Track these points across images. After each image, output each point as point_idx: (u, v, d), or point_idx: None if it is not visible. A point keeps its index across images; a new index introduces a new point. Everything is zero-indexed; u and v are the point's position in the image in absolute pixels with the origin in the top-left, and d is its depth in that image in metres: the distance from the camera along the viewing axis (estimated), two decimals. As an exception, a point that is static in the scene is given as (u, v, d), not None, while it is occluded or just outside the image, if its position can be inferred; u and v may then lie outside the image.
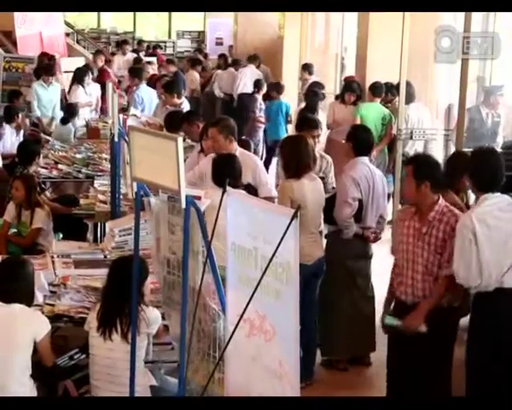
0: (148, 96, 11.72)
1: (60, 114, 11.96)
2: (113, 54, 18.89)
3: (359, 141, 6.67)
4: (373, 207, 6.56)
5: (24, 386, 4.61)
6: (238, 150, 6.79)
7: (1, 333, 4.63)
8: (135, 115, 10.15)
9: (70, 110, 11.65)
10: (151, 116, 10.48)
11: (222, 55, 18.49)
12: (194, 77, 16.59)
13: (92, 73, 13.36)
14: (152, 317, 4.72)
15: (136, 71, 12.62)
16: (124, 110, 10.86)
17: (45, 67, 13.25)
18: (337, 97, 11.60)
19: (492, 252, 4.94)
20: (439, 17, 9.31)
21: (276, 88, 12.83)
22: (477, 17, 8.31)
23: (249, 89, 14.31)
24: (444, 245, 5.09)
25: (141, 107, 11.51)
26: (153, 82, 12.75)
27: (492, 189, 5.06)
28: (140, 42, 20.03)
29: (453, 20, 9.61)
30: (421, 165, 5.24)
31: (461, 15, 8.09)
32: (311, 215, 6.11)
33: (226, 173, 5.73)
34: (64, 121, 11.39)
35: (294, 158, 6.20)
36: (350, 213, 6.41)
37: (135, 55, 17.30)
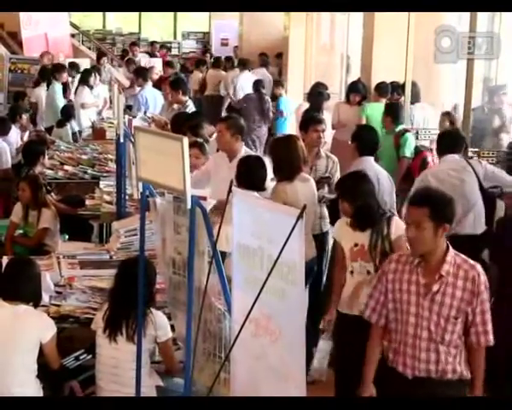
0: (152, 97, 11.75)
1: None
2: (123, 55, 18.94)
3: (364, 141, 6.67)
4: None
5: (29, 387, 4.61)
6: (244, 150, 6.80)
7: (6, 334, 4.63)
8: (145, 120, 10.21)
9: (66, 113, 11.68)
10: (156, 114, 10.53)
11: (229, 58, 18.45)
12: (198, 78, 16.57)
13: (100, 74, 13.39)
14: (159, 320, 4.71)
15: (140, 71, 12.63)
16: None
17: (57, 66, 13.32)
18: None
19: None
20: (444, 17, 9.30)
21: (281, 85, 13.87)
22: (482, 17, 8.29)
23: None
24: (460, 306, 4.11)
25: (144, 107, 11.53)
26: (160, 83, 12.79)
27: (452, 152, 6.31)
28: (133, 43, 19.60)
29: (458, 20, 9.62)
30: (439, 203, 4.19)
31: (465, 16, 8.08)
32: (306, 216, 6.05)
33: (258, 175, 5.79)
34: (60, 124, 11.41)
35: (285, 160, 6.12)
36: None
37: (146, 56, 17.36)
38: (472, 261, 4.17)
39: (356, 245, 5.21)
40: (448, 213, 4.18)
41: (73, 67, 14.06)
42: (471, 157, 6.80)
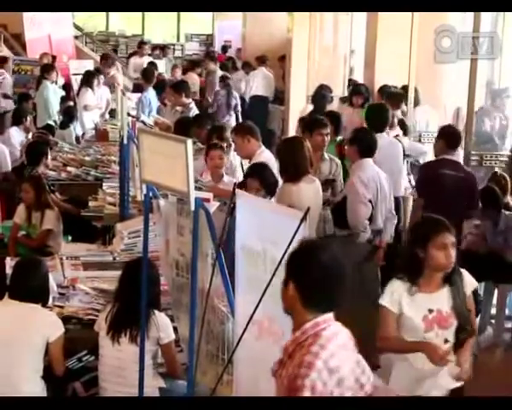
0: (154, 99, 11.77)
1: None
2: (130, 56, 18.83)
3: (363, 143, 6.69)
4: (381, 207, 6.58)
5: (34, 386, 4.64)
6: (261, 150, 6.86)
7: (14, 332, 4.66)
8: (143, 122, 10.20)
9: (68, 114, 11.68)
10: (159, 117, 10.53)
11: (229, 58, 18.48)
12: (193, 79, 16.48)
13: (104, 76, 13.40)
14: (161, 322, 4.71)
15: (145, 73, 12.65)
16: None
17: (46, 65, 13.39)
18: (343, 100, 11.65)
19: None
20: (448, 18, 9.29)
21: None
22: (485, 18, 8.28)
23: (261, 91, 14.65)
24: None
25: (148, 109, 11.53)
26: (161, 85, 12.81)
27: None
28: (143, 42, 19.08)
29: (461, 20, 9.60)
30: (292, 254, 3.15)
31: (469, 16, 8.07)
32: (310, 218, 6.02)
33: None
34: (63, 125, 11.41)
35: (292, 161, 6.15)
36: (366, 213, 6.40)
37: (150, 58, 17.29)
38: (315, 348, 3.03)
39: (431, 311, 4.22)
40: (298, 270, 3.08)
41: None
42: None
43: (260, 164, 6.09)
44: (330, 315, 3.15)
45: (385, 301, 4.24)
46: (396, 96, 9.48)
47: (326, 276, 3.07)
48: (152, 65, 14.96)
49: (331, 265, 3.09)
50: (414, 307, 4.19)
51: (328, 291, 3.09)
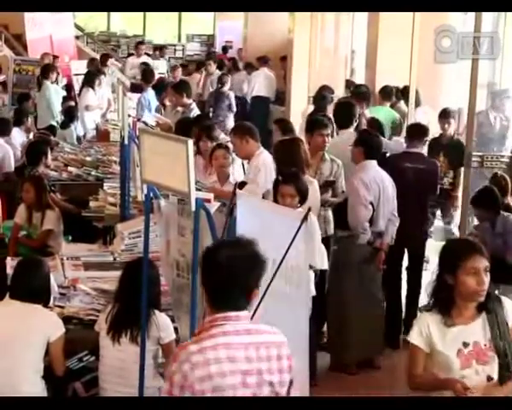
0: (153, 99, 11.78)
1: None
2: (128, 56, 18.82)
3: (369, 145, 6.68)
4: (384, 209, 6.57)
5: (35, 386, 4.64)
6: (260, 151, 6.86)
7: (15, 332, 4.66)
8: (144, 122, 10.20)
9: (69, 114, 11.68)
10: (161, 117, 10.53)
11: (231, 59, 18.47)
12: (197, 80, 16.50)
13: (105, 76, 13.40)
14: (162, 322, 4.71)
15: (144, 74, 12.66)
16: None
17: (46, 66, 13.41)
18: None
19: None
20: (448, 18, 9.29)
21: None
22: (487, 18, 8.28)
23: (262, 92, 14.59)
24: None
25: (147, 109, 11.54)
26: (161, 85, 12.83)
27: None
28: (140, 42, 18.87)
29: (462, 20, 9.61)
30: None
31: (470, 16, 8.09)
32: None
33: None
34: (64, 125, 11.41)
35: (288, 163, 6.13)
36: (366, 214, 6.40)
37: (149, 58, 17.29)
38: (188, 342, 3.22)
39: (466, 345, 3.74)
40: (201, 269, 3.29)
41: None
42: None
43: (294, 171, 5.98)
44: (238, 313, 3.14)
45: (412, 337, 3.80)
46: (363, 95, 9.73)
47: (217, 276, 3.13)
48: (146, 65, 14.97)
49: (224, 266, 3.12)
50: (446, 341, 3.72)
51: (219, 291, 3.15)
